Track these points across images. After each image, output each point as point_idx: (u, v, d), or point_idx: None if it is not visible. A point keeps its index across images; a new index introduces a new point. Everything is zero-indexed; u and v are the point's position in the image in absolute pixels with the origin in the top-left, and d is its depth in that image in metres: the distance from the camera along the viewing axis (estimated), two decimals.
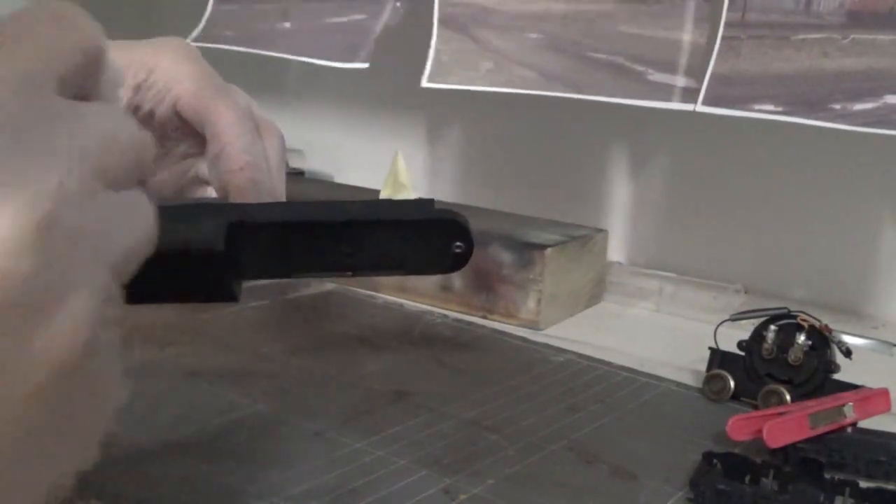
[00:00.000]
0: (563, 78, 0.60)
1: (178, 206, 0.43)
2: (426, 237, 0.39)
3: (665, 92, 0.57)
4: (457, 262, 0.40)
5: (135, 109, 0.42)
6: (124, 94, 0.41)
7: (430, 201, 0.40)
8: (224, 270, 0.37)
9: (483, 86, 0.63)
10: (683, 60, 0.57)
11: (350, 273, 0.40)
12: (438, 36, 0.64)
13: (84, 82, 0.23)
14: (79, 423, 0.21)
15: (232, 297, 0.39)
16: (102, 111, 0.23)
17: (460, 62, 0.63)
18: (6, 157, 0.19)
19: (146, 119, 0.42)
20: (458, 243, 0.39)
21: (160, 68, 0.42)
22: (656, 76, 0.57)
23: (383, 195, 0.49)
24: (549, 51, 0.61)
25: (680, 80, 0.57)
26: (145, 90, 0.42)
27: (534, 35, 0.62)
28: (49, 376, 0.20)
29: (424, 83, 0.64)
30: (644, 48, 0.58)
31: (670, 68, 0.57)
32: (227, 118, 0.41)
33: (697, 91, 0.55)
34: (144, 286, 0.38)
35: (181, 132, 0.43)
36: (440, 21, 0.64)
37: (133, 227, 0.23)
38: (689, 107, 0.56)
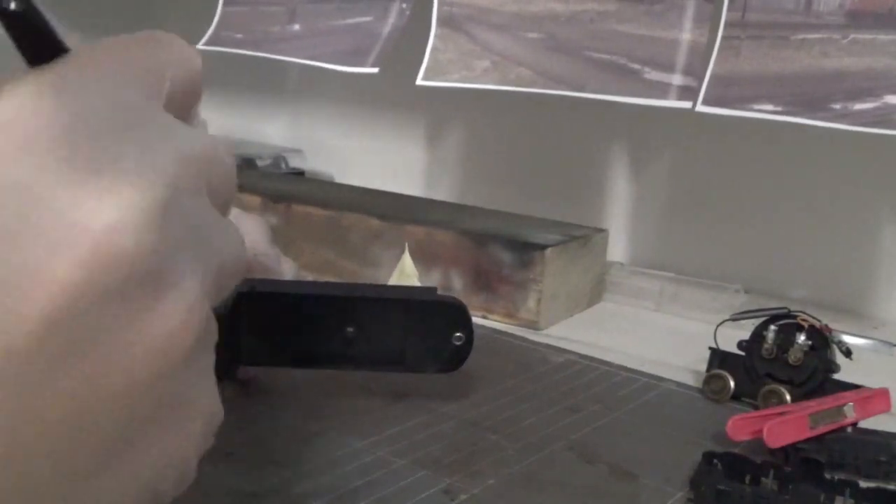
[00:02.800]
0: (561, 76, 0.60)
1: None
2: (428, 321, 0.39)
3: (662, 90, 0.57)
4: (456, 358, 0.40)
5: None
6: None
7: (433, 289, 0.41)
8: (226, 341, 0.37)
9: (479, 84, 0.63)
10: (682, 59, 0.57)
11: (350, 366, 0.40)
12: (436, 35, 0.64)
13: (184, 107, 0.24)
14: (179, 427, 0.21)
15: (230, 376, 0.38)
16: (204, 132, 0.24)
17: (457, 61, 0.63)
18: (127, 145, 0.20)
19: None
20: (458, 334, 0.40)
21: None
22: (653, 74, 0.57)
23: (391, 283, 0.51)
24: (548, 50, 0.61)
25: (677, 79, 0.57)
26: None
27: (533, 35, 0.62)
28: (164, 361, 0.20)
29: (420, 81, 0.64)
30: (643, 48, 0.58)
31: (668, 67, 0.57)
32: (250, 223, 0.45)
33: (695, 89, 0.55)
34: None
35: None
36: (439, 20, 0.64)
37: (234, 244, 0.24)
38: (686, 104, 0.56)
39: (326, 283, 0.42)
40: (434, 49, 0.64)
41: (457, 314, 0.40)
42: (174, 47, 0.24)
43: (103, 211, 0.18)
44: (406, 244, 0.53)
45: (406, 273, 0.51)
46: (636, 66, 0.58)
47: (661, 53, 0.57)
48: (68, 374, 0.18)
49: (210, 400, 0.22)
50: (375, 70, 0.67)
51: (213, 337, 0.22)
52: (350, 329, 0.39)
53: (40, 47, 0.21)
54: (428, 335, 0.40)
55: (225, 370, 0.38)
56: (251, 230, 0.46)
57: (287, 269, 0.48)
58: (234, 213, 0.48)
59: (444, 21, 0.64)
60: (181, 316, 0.20)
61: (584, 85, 0.59)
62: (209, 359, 0.22)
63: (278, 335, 0.39)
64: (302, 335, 0.39)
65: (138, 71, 0.22)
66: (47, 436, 0.18)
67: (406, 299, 0.40)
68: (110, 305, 0.19)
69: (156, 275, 0.19)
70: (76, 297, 0.18)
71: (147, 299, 0.19)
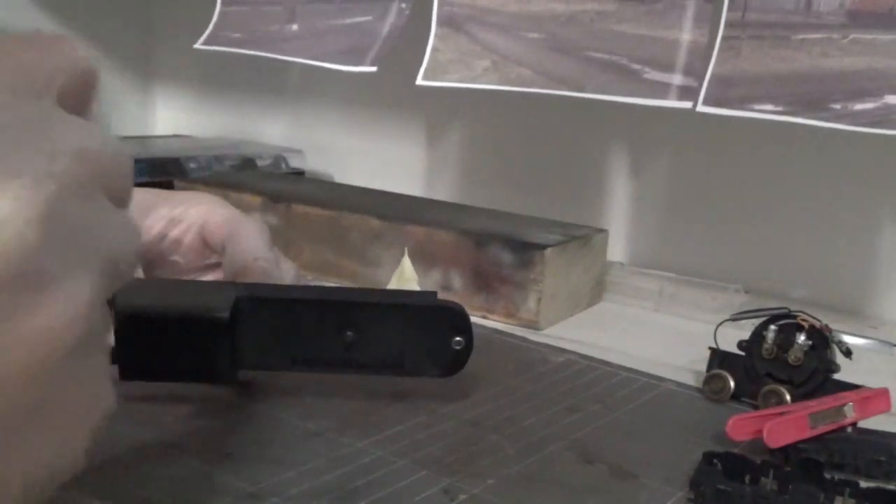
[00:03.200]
0: (561, 76, 0.60)
1: (190, 282, 0.43)
2: (427, 326, 0.39)
3: (662, 90, 0.57)
4: (456, 362, 0.40)
5: (163, 237, 0.48)
6: (158, 223, 0.48)
7: (433, 293, 0.40)
8: (227, 346, 0.36)
9: (479, 84, 0.63)
10: (682, 59, 0.57)
11: (350, 370, 0.40)
12: (436, 35, 0.64)
13: (78, 104, 0.24)
14: (66, 418, 0.22)
15: (231, 378, 0.38)
16: (97, 128, 0.24)
17: (457, 61, 0.63)
18: (13, 146, 0.20)
19: (173, 246, 0.48)
20: (458, 338, 0.39)
21: (193, 206, 0.49)
22: (653, 74, 0.57)
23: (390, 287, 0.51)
24: (548, 50, 0.61)
25: (677, 79, 0.57)
26: (177, 222, 0.49)
27: (533, 35, 0.62)
28: (44, 356, 0.20)
29: (419, 81, 0.64)
30: (643, 48, 0.58)
31: (668, 67, 0.57)
32: (248, 228, 0.47)
33: (695, 89, 0.55)
34: (147, 360, 0.38)
35: (202, 260, 0.49)
36: (439, 20, 0.64)
37: (124, 236, 0.24)
38: (686, 105, 0.56)
39: (325, 288, 0.41)
40: (434, 49, 0.64)
41: (457, 319, 0.40)
42: (61, 47, 0.24)
43: None
44: (406, 248, 0.53)
45: (406, 277, 0.51)
46: (636, 67, 0.58)
47: (662, 53, 0.57)
48: None
49: (99, 391, 0.23)
50: (374, 69, 0.67)
51: (106, 329, 0.23)
52: (349, 333, 0.39)
53: None
54: (427, 340, 0.40)
55: (225, 374, 0.38)
56: (250, 234, 0.47)
57: (286, 272, 0.48)
58: (234, 217, 0.49)
59: (444, 21, 0.64)
60: (63, 313, 0.20)
61: (584, 85, 0.59)
62: (99, 351, 0.23)
63: (277, 340, 0.39)
64: (301, 340, 0.39)
65: (25, 71, 0.23)
66: None
67: (405, 304, 0.40)
68: None
69: (37, 272, 0.20)
70: None
71: (28, 296, 0.20)
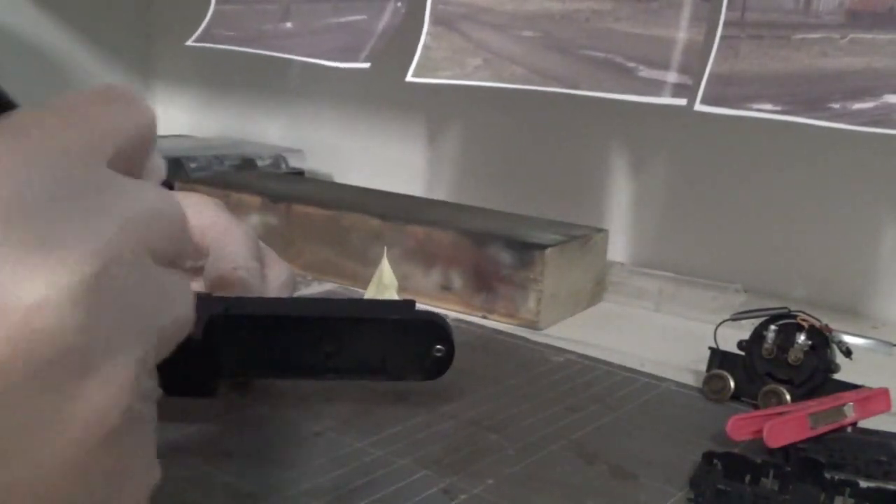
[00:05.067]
0: (555, 74, 0.60)
1: None
2: (406, 338, 0.39)
3: (657, 87, 0.57)
4: (438, 367, 0.40)
5: None
6: None
7: (412, 303, 0.40)
8: (202, 362, 0.36)
9: (471, 81, 0.62)
10: (677, 58, 0.57)
11: (331, 376, 0.39)
12: (429, 33, 0.64)
13: (134, 162, 0.24)
14: (112, 498, 0.21)
15: (209, 393, 0.38)
16: (151, 188, 0.23)
17: (449, 58, 0.63)
18: (59, 220, 0.20)
19: None
20: (438, 346, 0.39)
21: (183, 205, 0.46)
22: (648, 72, 0.57)
23: (368, 295, 0.50)
24: (543, 49, 0.61)
25: (672, 77, 0.56)
26: None
27: (528, 33, 0.62)
28: (88, 440, 0.20)
29: (409, 78, 0.64)
30: (638, 46, 0.58)
31: (663, 65, 0.57)
32: (232, 233, 0.45)
33: (690, 87, 0.55)
34: None
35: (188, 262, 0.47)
36: (432, 19, 0.64)
37: (175, 305, 0.23)
38: (681, 102, 0.56)
39: (302, 302, 0.41)
40: (426, 47, 0.64)
41: (436, 330, 0.39)
42: (124, 103, 0.24)
43: (32, 289, 0.18)
44: (385, 249, 0.52)
45: (384, 283, 0.50)
46: (631, 65, 0.58)
47: (657, 52, 0.57)
48: None
49: (145, 465, 0.23)
50: (367, 65, 0.67)
51: (151, 403, 0.22)
52: (328, 348, 0.39)
53: None
54: (407, 349, 0.39)
55: (203, 389, 0.38)
56: (234, 241, 0.45)
57: (279, 275, 0.47)
58: (219, 221, 0.48)
59: (438, 19, 0.64)
60: (108, 394, 0.20)
61: (578, 82, 0.59)
62: (144, 426, 0.22)
63: (254, 353, 0.38)
64: (279, 352, 0.39)
65: (84, 132, 0.22)
66: None
67: (382, 319, 0.39)
68: (35, 384, 0.19)
69: (81, 352, 0.19)
70: (2, 374, 0.18)
71: (72, 378, 0.19)
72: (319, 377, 0.39)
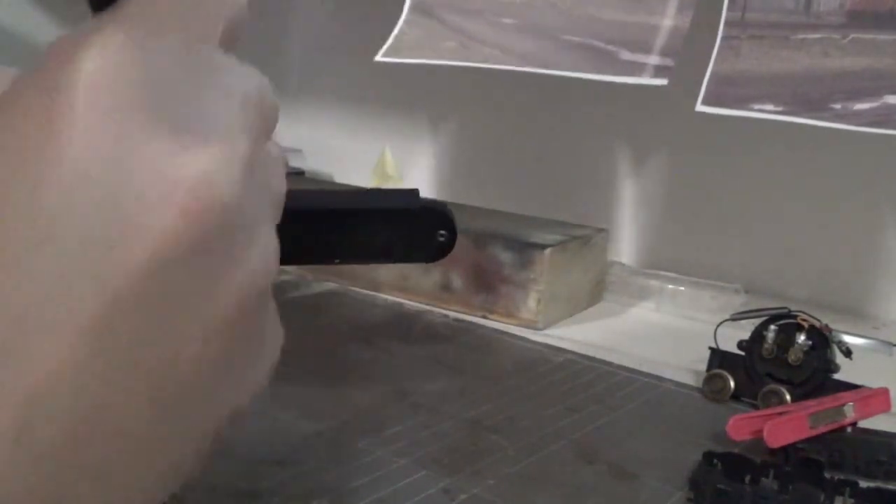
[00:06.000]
0: (531, 57, 0.60)
1: None
2: (411, 226, 0.40)
3: (637, 69, 0.56)
4: (440, 251, 0.40)
5: None
6: None
7: (416, 191, 0.41)
8: None
9: (442, 61, 0.62)
10: (660, 42, 0.56)
11: (337, 261, 0.40)
12: (405, 20, 0.64)
13: (232, 42, 0.25)
14: (261, 353, 0.23)
15: None
16: (251, 69, 0.24)
17: (422, 42, 0.63)
18: (201, 99, 0.21)
19: None
20: (441, 232, 0.40)
21: None
22: (628, 55, 0.57)
23: (372, 185, 0.50)
24: (520, 33, 0.61)
25: (654, 59, 0.56)
26: None
27: (507, 20, 0.61)
28: (252, 300, 0.21)
29: (378, 57, 0.63)
30: (622, 32, 0.58)
31: (644, 49, 0.56)
32: None
33: (671, 68, 0.55)
34: None
35: None
36: (411, 6, 0.64)
37: (282, 175, 0.25)
38: (661, 82, 0.55)
39: (310, 194, 0.42)
40: (400, 32, 0.64)
41: (440, 218, 0.40)
42: None
43: (196, 164, 0.19)
44: (385, 146, 0.52)
45: (387, 173, 0.50)
46: (612, 48, 0.58)
47: (639, 36, 0.57)
48: (170, 320, 0.19)
49: (276, 325, 0.25)
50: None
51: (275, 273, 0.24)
52: (335, 237, 0.40)
53: None
54: (412, 236, 0.40)
55: None
56: None
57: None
58: None
59: (415, 6, 0.64)
60: (263, 262, 0.22)
61: (555, 63, 0.59)
62: (270, 291, 0.24)
63: None
64: (288, 243, 0.40)
65: (196, 14, 0.23)
66: (148, 377, 0.19)
67: (388, 209, 0.40)
68: (206, 255, 0.20)
69: (243, 225, 0.21)
70: (175, 246, 0.19)
71: (236, 248, 0.21)
72: (328, 262, 0.40)
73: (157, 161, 0.19)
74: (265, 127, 0.23)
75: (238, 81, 0.22)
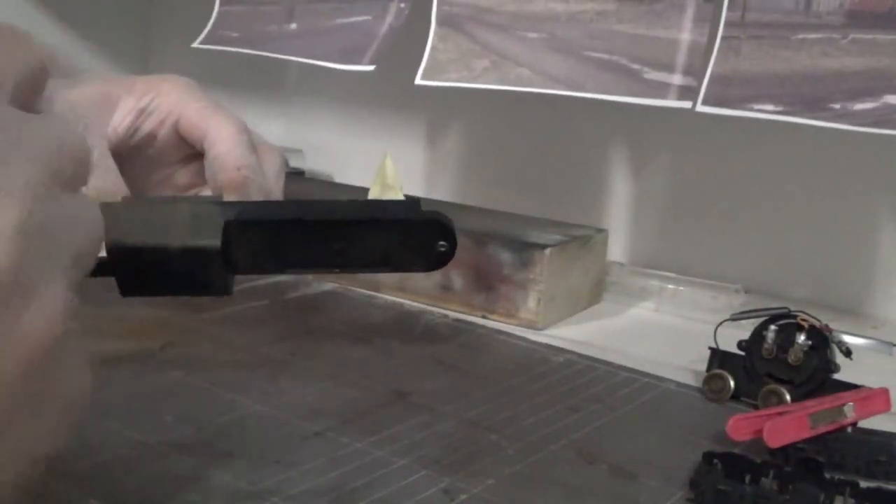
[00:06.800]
0: (560, 76, 0.60)
1: (175, 202, 0.43)
2: (412, 237, 0.40)
3: (662, 90, 0.57)
4: (440, 260, 0.40)
5: (135, 131, 0.45)
6: (126, 118, 0.46)
7: (417, 201, 0.41)
8: (219, 266, 0.38)
9: (479, 84, 0.62)
10: (682, 60, 0.57)
11: (339, 270, 0.40)
12: (436, 34, 0.64)
13: (30, 97, 0.25)
14: (52, 406, 0.23)
15: (226, 291, 0.39)
16: (51, 120, 0.24)
17: (456, 60, 0.63)
18: None
19: (147, 141, 0.44)
20: (442, 242, 0.40)
21: (163, 95, 0.47)
22: (653, 74, 0.57)
23: (372, 195, 0.51)
24: (547, 50, 0.61)
25: (677, 79, 0.57)
26: (147, 115, 0.47)
27: (532, 35, 0.62)
28: (29, 358, 0.21)
29: (418, 81, 0.64)
30: (642, 48, 0.58)
31: (668, 67, 0.57)
32: (226, 128, 0.46)
33: (695, 89, 0.55)
34: (145, 281, 0.39)
35: (180, 153, 0.46)
36: (438, 20, 0.64)
37: (88, 226, 0.25)
38: (686, 104, 0.56)
39: (312, 204, 0.42)
40: (433, 48, 0.64)
41: (440, 229, 0.40)
42: (13, 42, 0.25)
43: None
44: (387, 151, 0.52)
45: (388, 183, 0.50)
46: (636, 66, 0.58)
47: (661, 53, 0.57)
48: None
49: (79, 377, 0.24)
50: (372, 68, 0.67)
51: (78, 322, 0.24)
52: (336, 247, 0.40)
53: None
54: (412, 247, 0.40)
55: (220, 288, 0.39)
56: (230, 135, 0.45)
57: (271, 164, 0.47)
58: (208, 110, 0.47)
59: (443, 20, 0.64)
60: (43, 321, 0.22)
61: (583, 85, 0.59)
62: (77, 343, 0.24)
63: (267, 253, 0.40)
64: (290, 254, 0.40)
65: None
66: None
67: (389, 220, 0.40)
68: None
69: (17, 286, 0.21)
70: None
71: (11, 306, 0.21)
72: (328, 270, 0.41)
73: None
74: (66, 180, 0.23)
75: (28, 136, 0.22)
